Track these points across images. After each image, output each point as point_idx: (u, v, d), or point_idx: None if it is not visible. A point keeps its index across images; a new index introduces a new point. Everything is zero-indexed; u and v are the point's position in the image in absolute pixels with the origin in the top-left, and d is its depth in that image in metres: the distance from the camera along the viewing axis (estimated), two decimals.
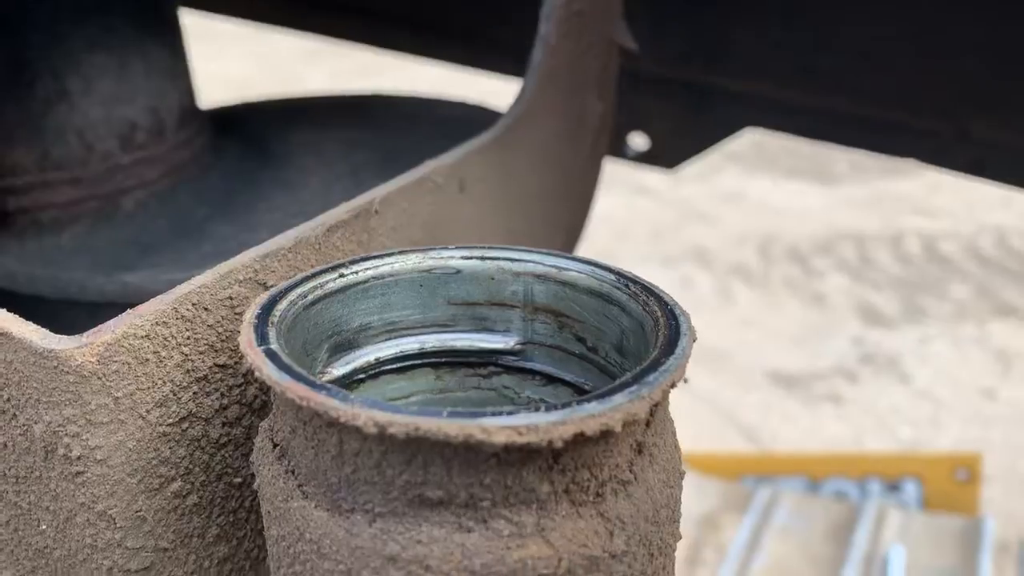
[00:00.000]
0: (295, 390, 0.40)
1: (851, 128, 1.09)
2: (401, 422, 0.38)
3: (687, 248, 3.82)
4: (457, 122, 0.91)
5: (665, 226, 4.02)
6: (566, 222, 0.84)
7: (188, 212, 0.81)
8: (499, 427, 0.37)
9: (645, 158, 1.16)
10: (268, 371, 0.41)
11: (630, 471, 0.43)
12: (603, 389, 0.40)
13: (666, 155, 1.14)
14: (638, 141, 1.19)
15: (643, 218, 4.06)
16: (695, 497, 2.15)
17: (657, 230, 3.98)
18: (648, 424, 0.44)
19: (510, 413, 0.38)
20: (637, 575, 0.43)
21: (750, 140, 4.37)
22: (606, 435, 0.40)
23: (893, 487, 2.36)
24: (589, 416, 0.38)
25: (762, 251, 3.77)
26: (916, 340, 3.19)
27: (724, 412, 2.84)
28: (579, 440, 0.39)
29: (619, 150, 1.17)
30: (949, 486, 2.32)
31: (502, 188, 0.72)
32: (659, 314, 0.46)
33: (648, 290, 0.49)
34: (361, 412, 0.38)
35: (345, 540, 0.41)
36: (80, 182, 0.79)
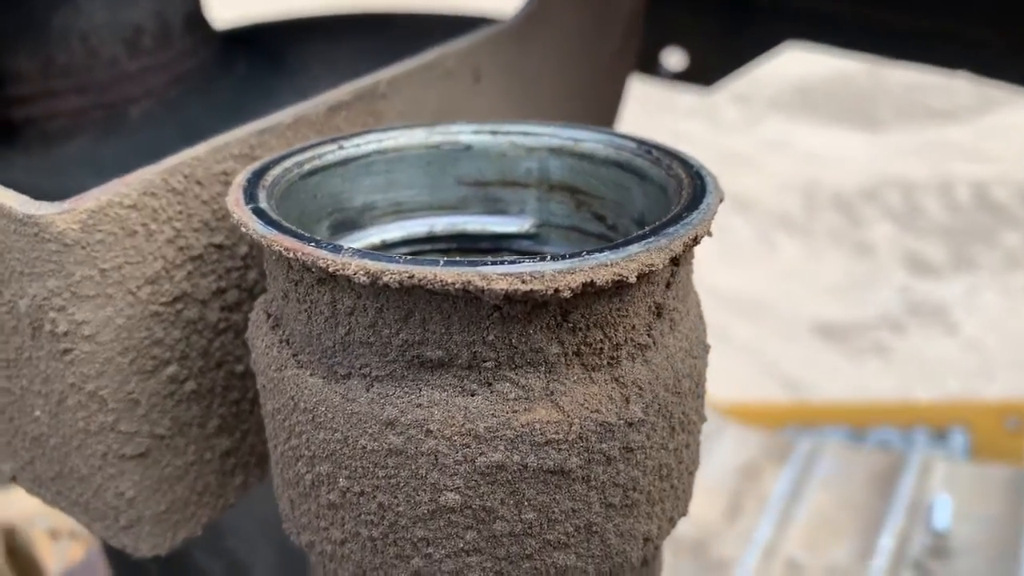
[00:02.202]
0: (282, 242, 0.37)
1: (897, 39, 1.03)
2: (395, 270, 0.34)
3: (728, 196, 3.72)
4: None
5: None
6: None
7: (197, 121, 0.78)
8: (500, 274, 0.34)
9: (681, 77, 1.11)
10: (254, 225, 0.38)
11: (648, 335, 0.39)
12: (618, 240, 0.36)
13: (704, 72, 1.08)
14: (673, 60, 1.13)
15: None
16: (735, 447, 2.11)
17: None
18: (668, 285, 0.40)
19: (513, 262, 0.35)
20: (657, 448, 0.39)
21: (792, 86, 4.25)
22: (620, 289, 0.37)
23: (940, 436, 2.30)
24: (600, 265, 0.35)
25: (806, 199, 3.67)
26: (965, 290, 3.09)
27: (765, 365, 2.78)
28: (589, 292, 0.35)
29: (653, 69, 1.12)
30: (998, 435, 2.25)
31: (520, 83, 0.68)
32: (683, 176, 0.43)
33: (671, 154, 0.45)
34: (352, 261, 0.35)
35: (341, 406, 0.38)
36: (86, 90, 0.76)
